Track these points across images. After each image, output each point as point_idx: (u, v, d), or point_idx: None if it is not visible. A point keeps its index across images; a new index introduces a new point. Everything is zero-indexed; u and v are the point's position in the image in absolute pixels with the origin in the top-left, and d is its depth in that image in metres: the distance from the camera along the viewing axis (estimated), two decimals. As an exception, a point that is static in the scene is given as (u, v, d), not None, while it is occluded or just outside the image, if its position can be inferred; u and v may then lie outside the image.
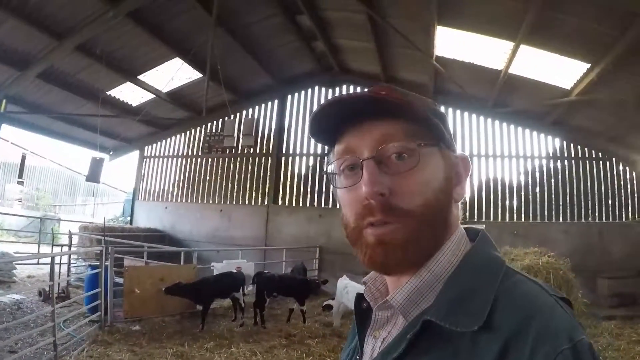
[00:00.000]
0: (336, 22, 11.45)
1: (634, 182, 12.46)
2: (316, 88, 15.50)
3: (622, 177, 12.58)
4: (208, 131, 16.28)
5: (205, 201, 16.29)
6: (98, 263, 7.91)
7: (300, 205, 14.95)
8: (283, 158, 15.52)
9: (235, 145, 14.25)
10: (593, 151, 12.76)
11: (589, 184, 12.68)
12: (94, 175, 12.89)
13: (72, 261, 11.14)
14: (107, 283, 7.67)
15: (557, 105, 11.02)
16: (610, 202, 12.54)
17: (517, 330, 0.66)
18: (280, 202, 15.35)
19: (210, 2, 9.67)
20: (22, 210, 23.30)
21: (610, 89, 9.19)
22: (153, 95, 13.73)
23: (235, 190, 15.97)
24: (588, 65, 8.90)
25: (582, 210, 12.63)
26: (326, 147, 0.93)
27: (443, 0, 8.39)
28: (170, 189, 16.99)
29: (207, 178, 16.39)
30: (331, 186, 0.91)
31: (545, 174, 13.02)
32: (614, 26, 7.40)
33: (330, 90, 15.25)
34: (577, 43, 8.30)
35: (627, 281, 10.64)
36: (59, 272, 9.21)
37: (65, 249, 11.77)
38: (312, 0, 10.62)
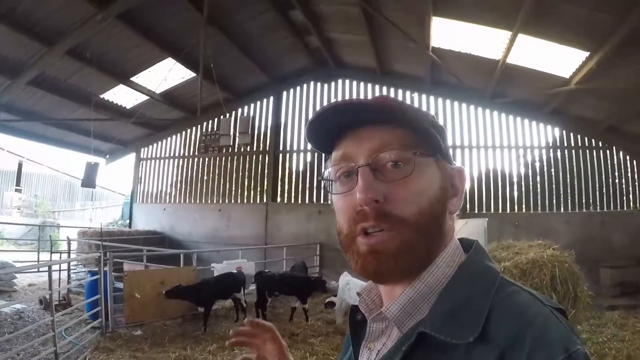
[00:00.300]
0: (329, 16, 11.32)
1: (635, 170, 12.41)
2: (312, 84, 15.39)
3: (622, 166, 12.51)
4: (204, 131, 16.24)
5: (203, 201, 16.23)
6: (97, 269, 7.84)
7: (300, 202, 14.88)
8: (280, 155, 15.43)
9: (231, 143, 14.26)
10: (593, 140, 12.67)
11: (589, 173, 12.61)
12: (89, 180, 12.79)
13: (72, 267, 11.08)
14: (107, 289, 7.59)
15: (556, 94, 10.92)
16: (611, 191, 12.47)
17: (513, 341, 0.65)
18: (279, 200, 15.28)
19: (201, 1, 9.58)
20: (21, 218, 23.25)
21: (609, 77, 9.07)
22: (147, 97, 13.64)
23: (234, 189, 15.90)
24: (587, 54, 8.78)
25: (583, 199, 12.57)
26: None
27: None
28: (168, 190, 16.92)
29: (205, 178, 16.32)
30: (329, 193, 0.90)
31: (545, 164, 12.95)
32: (613, 13, 7.28)
33: (326, 86, 15.16)
34: (575, 31, 8.18)
35: (629, 270, 10.63)
36: (59, 279, 9.16)
37: (65, 255, 11.70)
38: (305, -5, 10.51)
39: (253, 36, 12.04)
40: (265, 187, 15.35)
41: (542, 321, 0.68)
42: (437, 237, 0.81)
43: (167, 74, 12.32)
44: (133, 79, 12.67)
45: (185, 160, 16.72)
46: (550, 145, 12.99)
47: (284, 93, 15.69)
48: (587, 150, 12.72)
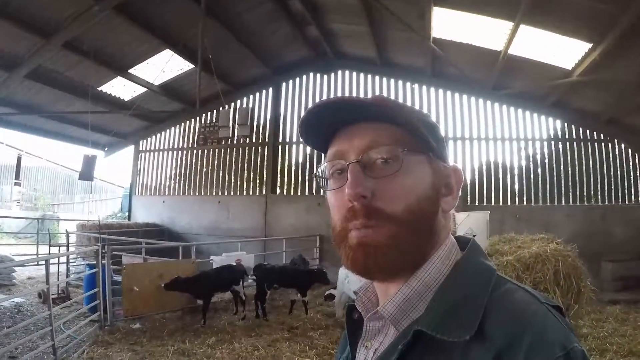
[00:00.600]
0: (329, 6, 11.19)
1: (637, 163, 12.33)
2: (311, 75, 15.27)
3: (624, 159, 12.43)
4: (203, 123, 16.16)
5: (202, 193, 16.18)
6: (96, 262, 7.80)
7: (299, 194, 14.80)
8: (280, 147, 15.34)
9: (230, 135, 14.17)
10: (595, 133, 12.59)
11: (590, 166, 12.54)
12: (87, 172, 12.74)
13: (71, 261, 11.07)
14: (106, 282, 7.55)
15: (558, 86, 10.80)
16: (612, 184, 12.40)
17: (509, 340, 0.66)
18: (278, 192, 15.21)
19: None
20: (20, 212, 23.27)
21: (612, 69, 8.95)
22: (145, 89, 13.54)
23: (233, 181, 15.84)
24: (590, 45, 8.66)
25: (585, 193, 12.52)
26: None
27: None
28: (168, 183, 16.87)
29: (204, 170, 16.24)
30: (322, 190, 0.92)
31: (546, 156, 12.86)
32: (616, 4, 7.16)
33: (325, 77, 15.05)
34: (578, 22, 8.05)
35: (631, 264, 10.58)
36: (58, 272, 9.14)
37: (64, 248, 11.68)
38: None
39: (252, 27, 11.90)
40: (264, 178, 15.27)
41: (539, 319, 0.68)
42: (427, 235, 0.81)
43: (165, 66, 12.25)
44: (131, 71, 12.55)
45: (184, 152, 16.64)
46: (552, 137, 12.89)
47: (283, 84, 15.57)
48: (589, 143, 12.63)
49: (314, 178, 0.95)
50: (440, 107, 13.59)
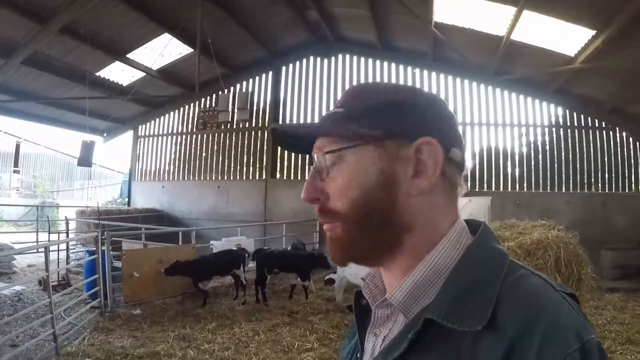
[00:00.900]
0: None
1: (637, 152, 12.32)
2: (311, 58, 15.16)
3: (625, 148, 12.41)
4: (202, 107, 16.08)
5: (202, 178, 16.16)
6: (96, 248, 7.78)
7: (299, 178, 14.77)
8: (280, 131, 15.22)
9: (230, 120, 14.08)
10: (596, 120, 12.54)
11: (591, 153, 12.53)
12: (85, 158, 12.65)
13: (71, 247, 11.06)
14: (106, 268, 7.54)
15: (560, 73, 10.71)
16: (613, 172, 12.41)
17: (523, 330, 0.63)
18: (278, 176, 15.20)
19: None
20: (19, 199, 23.22)
21: (615, 57, 8.84)
22: (144, 74, 13.42)
23: (232, 165, 15.80)
24: (593, 32, 8.57)
25: (585, 180, 12.53)
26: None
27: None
28: (167, 168, 16.83)
29: (203, 155, 16.20)
30: None
31: (547, 143, 12.84)
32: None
33: (325, 60, 14.94)
34: (582, 8, 7.95)
35: (630, 253, 10.61)
36: (58, 259, 9.13)
37: (63, 235, 11.67)
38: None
39: (251, 10, 11.76)
40: (264, 163, 15.25)
41: (553, 308, 0.66)
42: (386, 224, 0.78)
43: (163, 50, 12.12)
44: (129, 55, 12.42)
45: (184, 137, 16.58)
46: (553, 124, 12.86)
47: (283, 68, 15.45)
48: (590, 131, 12.60)
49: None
50: (442, 92, 13.46)
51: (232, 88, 15.08)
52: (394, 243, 0.79)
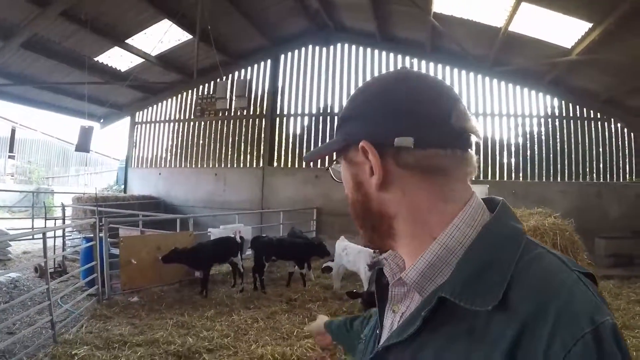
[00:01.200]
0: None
1: (632, 143, 12.43)
2: (310, 47, 15.08)
3: (619, 138, 12.54)
4: (200, 94, 15.94)
5: (199, 165, 16.14)
6: (93, 235, 7.73)
7: (296, 166, 14.78)
8: (277, 119, 15.23)
9: (228, 107, 14.01)
10: (591, 111, 12.66)
11: (586, 144, 12.65)
12: (83, 144, 12.58)
13: (67, 234, 11.00)
14: (103, 255, 7.49)
15: (556, 64, 10.79)
16: (607, 162, 12.55)
17: (535, 312, 0.63)
18: (275, 164, 15.17)
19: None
20: (14, 185, 23.06)
21: (611, 49, 8.91)
22: (142, 60, 13.31)
23: (230, 153, 15.79)
24: (590, 25, 8.63)
25: (580, 170, 12.66)
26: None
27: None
28: (164, 155, 16.79)
29: (201, 142, 16.18)
30: None
31: (543, 133, 12.95)
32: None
33: (325, 49, 14.88)
34: (579, 1, 8.01)
35: (624, 242, 10.74)
36: (54, 246, 9.07)
37: (59, 222, 11.61)
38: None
39: (251, -2, 11.67)
40: (261, 151, 15.23)
41: (568, 289, 0.66)
42: (368, 216, 0.87)
43: (162, 36, 12.02)
44: (128, 41, 12.30)
45: (181, 124, 16.53)
46: (549, 114, 12.95)
47: (282, 56, 15.38)
48: (585, 121, 12.72)
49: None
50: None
51: (230, 75, 15.07)
52: (386, 230, 0.86)
